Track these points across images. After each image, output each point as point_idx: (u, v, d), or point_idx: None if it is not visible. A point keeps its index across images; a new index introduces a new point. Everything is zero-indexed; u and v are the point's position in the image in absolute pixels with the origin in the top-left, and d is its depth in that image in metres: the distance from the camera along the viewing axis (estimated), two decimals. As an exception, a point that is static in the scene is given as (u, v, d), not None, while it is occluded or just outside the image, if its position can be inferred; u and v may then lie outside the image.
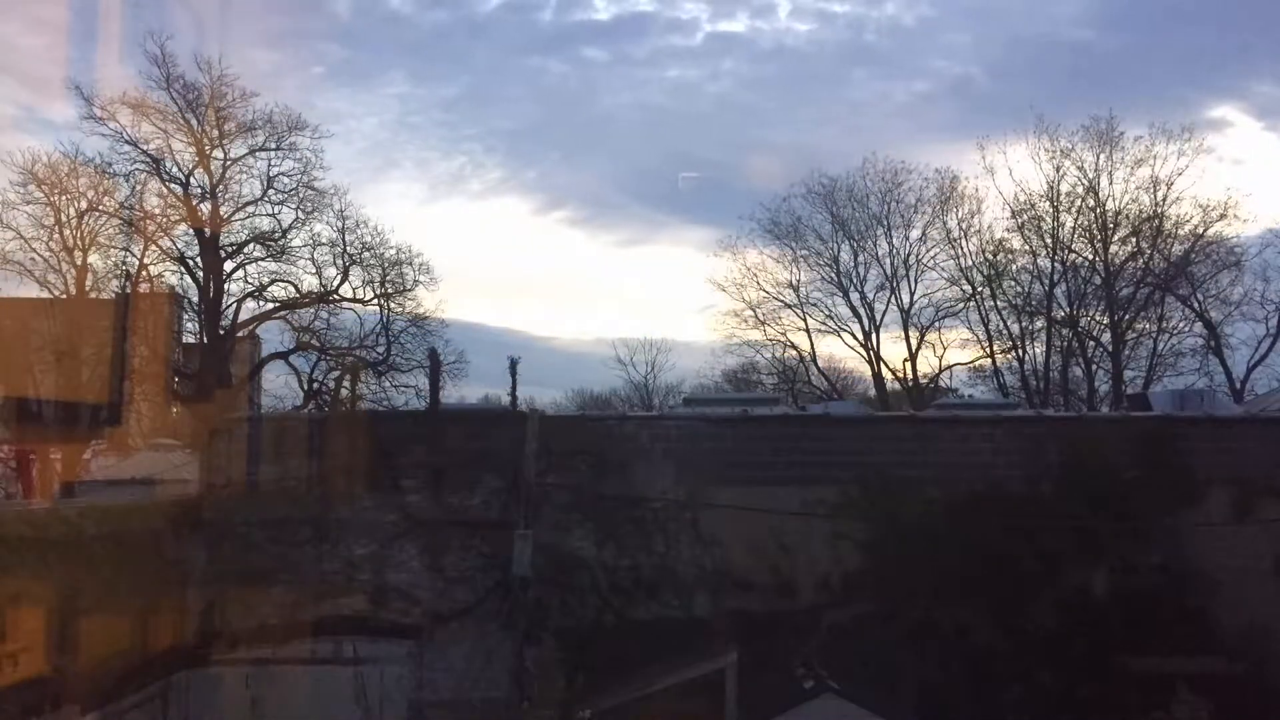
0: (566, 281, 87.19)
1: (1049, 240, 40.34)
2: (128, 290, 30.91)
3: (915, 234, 43.57)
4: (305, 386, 34.50)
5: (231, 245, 33.31)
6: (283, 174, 33.58)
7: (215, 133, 32.58)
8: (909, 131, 73.59)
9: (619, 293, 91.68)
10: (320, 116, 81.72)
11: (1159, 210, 39.21)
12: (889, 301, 43.97)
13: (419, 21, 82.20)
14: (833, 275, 44.16)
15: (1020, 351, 41.61)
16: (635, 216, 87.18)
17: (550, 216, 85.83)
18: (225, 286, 33.10)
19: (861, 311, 43.98)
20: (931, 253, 43.43)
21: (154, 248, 32.65)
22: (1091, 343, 40.63)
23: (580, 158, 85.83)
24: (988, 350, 42.47)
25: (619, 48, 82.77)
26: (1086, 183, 39.81)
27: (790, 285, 44.45)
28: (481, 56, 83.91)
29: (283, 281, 34.10)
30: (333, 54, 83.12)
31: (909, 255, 43.62)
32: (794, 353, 45.53)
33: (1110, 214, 39.70)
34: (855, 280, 44.17)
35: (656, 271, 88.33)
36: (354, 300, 34.74)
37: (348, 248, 34.40)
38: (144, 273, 32.42)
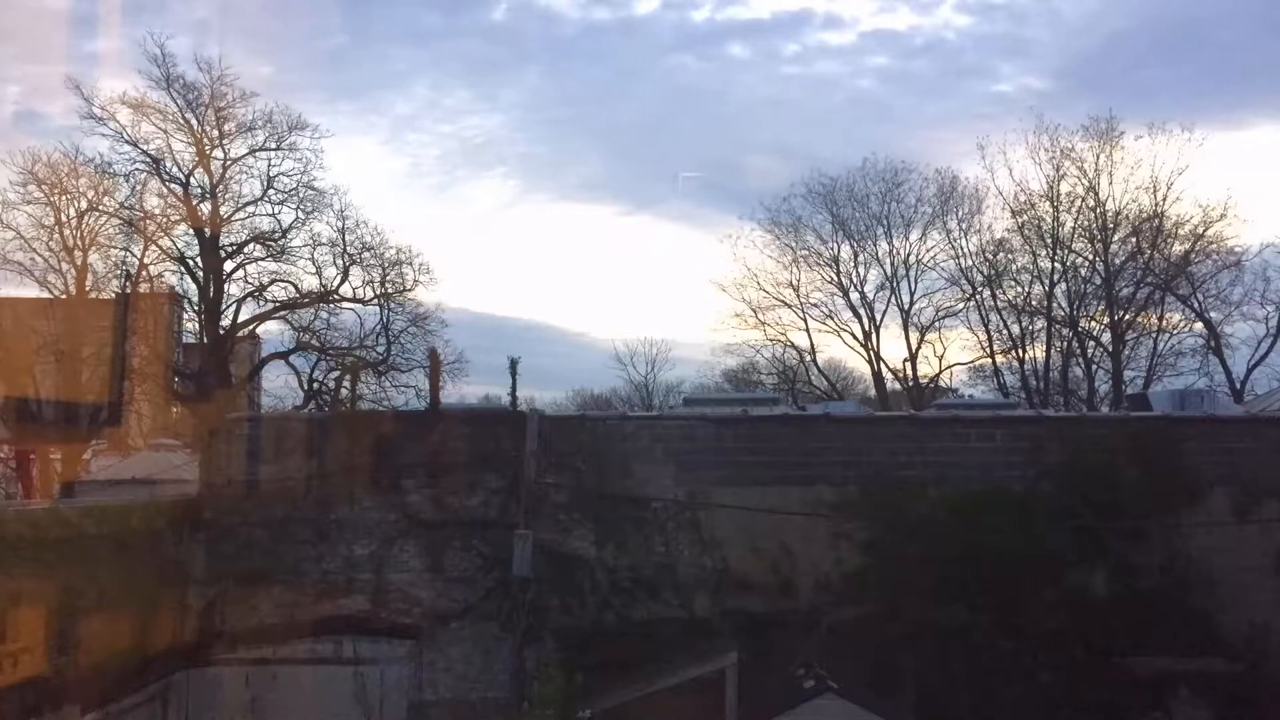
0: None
1: (1049, 240, 40.38)
2: (128, 290, 30.89)
3: (915, 234, 43.70)
4: (305, 386, 34.48)
5: (231, 245, 33.29)
6: (283, 174, 33.60)
7: (215, 133, 32.59)
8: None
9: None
10: (443, 114, 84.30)
11: (1159, 210, 39.30)
12: (889, 301, 44.08)
13: (573, 20, 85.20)
14: (833, 275, 44.26)
15: (1020, 351, 41.69)
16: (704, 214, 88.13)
17: (633, 217, 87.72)
18: (225, 286, 33.08)
19: (861, 311, 44.07)
20: (931, 253, 43.56)
21: (154, 248, 32.66)
22: (1091, 343, 40.67)
23: (680, 157, 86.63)
24: (988, 350, 42.55)
25: (768, 44, 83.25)
26: (1086, 183, 39.91)
27: (790, 285, 44.53)
28: (624, 54, 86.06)
29: (283, 281, 34.09)
30: (472, 50, 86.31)
31: (909, 255, 43.73)
32: (794, 353, 45.65)
33: (1110, 214, 39.78)
34: (855, 280, 44.27)
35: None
36: (354, 300, 34.76)
37: (348, 248, 34.42)
38: (144, 273, 32.41)
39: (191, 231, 32.97)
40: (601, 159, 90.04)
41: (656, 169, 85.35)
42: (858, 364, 47.44)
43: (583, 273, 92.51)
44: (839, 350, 46.44)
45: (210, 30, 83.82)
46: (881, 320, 44.12)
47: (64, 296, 31.71)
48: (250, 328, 34.69)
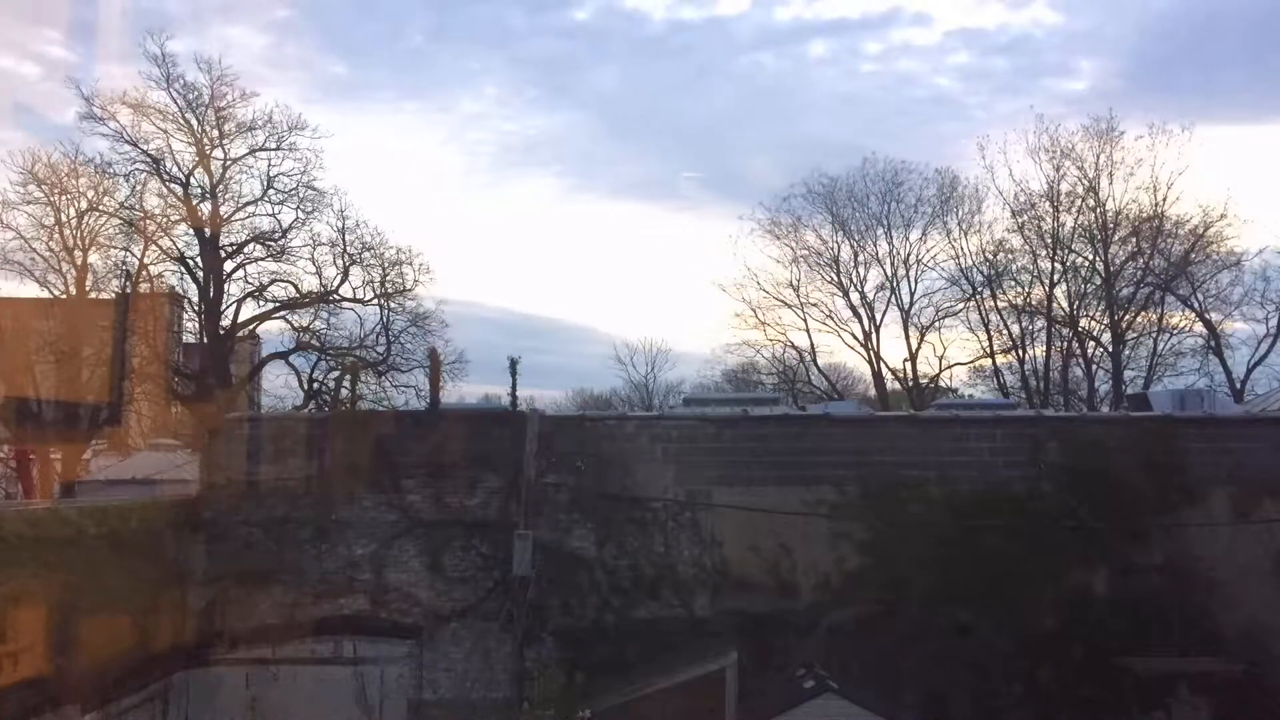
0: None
1: (1049, 240, 40.37)
2: (128, 290, 30.82)
3: (915, 234, 43.66)
4: (305, 386, 34.40)
5: (231, 245, 33.20)
6: (283, 174, 33.50)
7: (215, 133, 32.48)
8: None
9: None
10: (510, 112, 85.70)
11: (1159, 210, 39.29)
12: (889, 301, 44.03)
13: (659, 19, 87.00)
14: (833, 275, 44.24)
15: (1020, 351, 41.64)
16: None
17: (683, 214, 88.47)
18: (225, 286, 32.99)
19: (861, 311, 44.00)
20: (931, 253, 43.54)
21: (154, 248, 32.53)
22: (1091, 343, 40.64)
23: (743, 154, 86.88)
24: (988, 350, 42.52)
25: (850, 42, 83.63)
26: (1087, 183, 39.90)
27: (790, 285, 44.52)
28: (703, 52, 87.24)
29: (283, 281, 33.97)
30: (550, 49, 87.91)
31: (909, 255, 43.68)
32: (794, 353, 45.62)
33: (1110, 214, 39.76)
34: (855, 280, 44.22)
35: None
36: (354, 300, 34.70)
37: (348, 248, 34.35)
38: (144, 273, 32.32)
39: (191, 231, 32.90)
40: (660, 158, 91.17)
41: (716, 167, 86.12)
42: (858, 364, 47.49)
43: (626, 272, 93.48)
44: (839, 350, 46.46)
45: (290, 30, 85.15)
46: (881, 320, 44.13)
47: (64, 296, 31.67)
48: (250, 328, 34.62)
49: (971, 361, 43.64)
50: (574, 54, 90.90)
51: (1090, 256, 40.11)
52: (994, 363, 42.61)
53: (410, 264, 35.22)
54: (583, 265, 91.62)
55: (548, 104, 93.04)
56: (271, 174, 33.47)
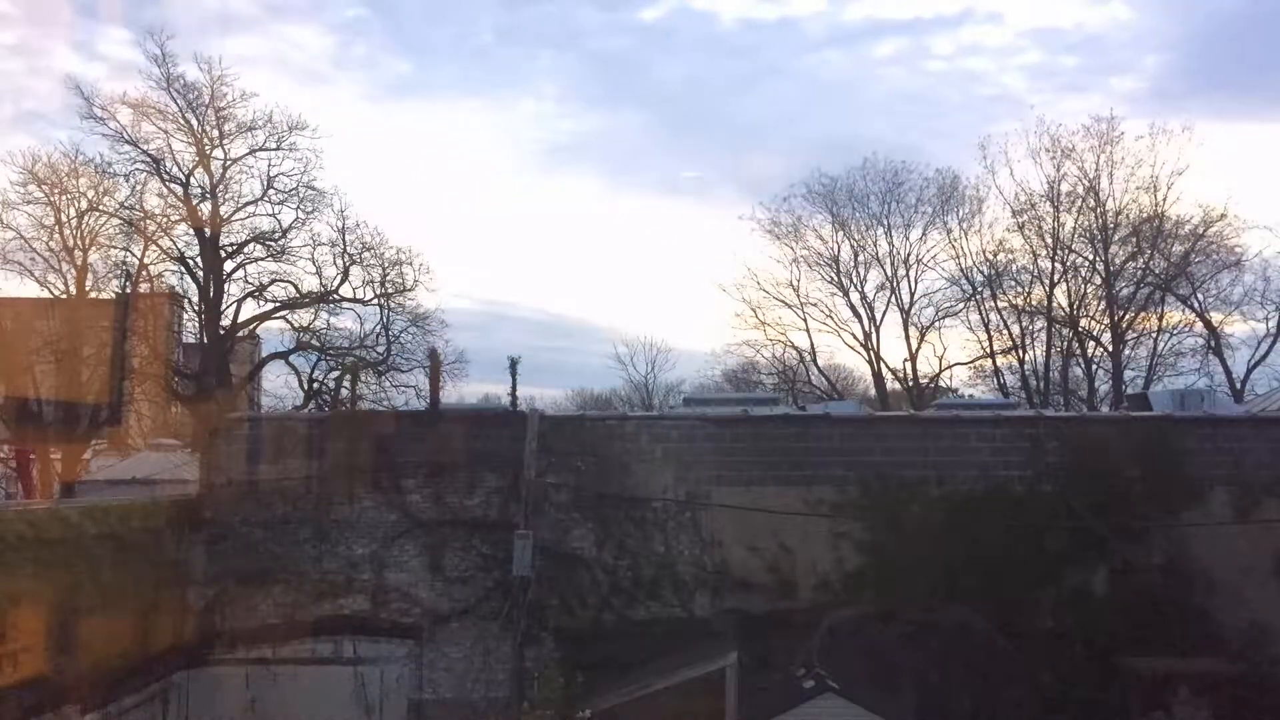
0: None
1: (1049, 240, 40.39)
2: (128, 290, 30.86)
3: (915, 234, 43.67)
4: (305, 386, 34.45)
5: (231, 245, 33.25)
6: (283, 174, 33.55)
7: (215, 133, 32.54)
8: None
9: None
10: (569, 110, 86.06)
11: (1159, 210, 39.28)
12: (889, 301, 44.05)
13: (732, 17, 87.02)
14: (833, 275, 44.24)
15: (1020, 351, 41.64)
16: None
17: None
18: (225, 286, 33.04)
19: (861, 311, 44.03)
20: (931, 253, 43.55)
21: (154, 248, 32.58)
22: (1091, 343, 40.65)
23: (796, 152, 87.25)
24: (988, 350, 42.52)
25: (920, 40, 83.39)
26: (1087, 183, 39.91)
27: (790, 285, 44.52)
28: (771, 50, 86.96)
29: (283, 281, 34.03)
30: (617, 47, 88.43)
31: (909, 255, 43.70)
32: (794, 353, 45.63)
33: (1110, 214, 39.76)
34: (855, 280, 44.24)
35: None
36: (354, 300, 34.75)
37: (348, 248, 34.39)
38: (144, 273, 32.35)
39: (191, 231, 32.94)
40: (708, 156, 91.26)
41: (763, 166, 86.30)
42: (858, 364, 47.49)
43: (660, 273, 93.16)
44: (839, 350, 46.46)
45: (359, 30, 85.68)
46: (881, 320, 44.16)
47: (64, 296, 31.67)
48: (250, 328, 34.65)
49: (971, 361, 43.70)
50: (640, 52, 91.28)
51: (1090, 256, 40.15)
52: (994, 363, 42.65)
53: (410, 264, 35.29)
54: (615, 264, 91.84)
55: (607, 102, 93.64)
56: (271, 174, 33.57)
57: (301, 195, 33.86)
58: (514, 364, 18.40)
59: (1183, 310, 39.23)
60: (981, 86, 77.18)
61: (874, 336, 44.11)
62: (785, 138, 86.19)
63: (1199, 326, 38.83)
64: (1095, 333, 40.53)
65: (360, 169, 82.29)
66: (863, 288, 44.14)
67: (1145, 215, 39.48)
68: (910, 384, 43.89)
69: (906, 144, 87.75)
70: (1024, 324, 41.62)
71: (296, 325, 34.26)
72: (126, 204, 32.24)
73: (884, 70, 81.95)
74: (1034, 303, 40.97)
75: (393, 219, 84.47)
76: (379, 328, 35.33)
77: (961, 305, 42.86)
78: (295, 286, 34.22)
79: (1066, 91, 75.04)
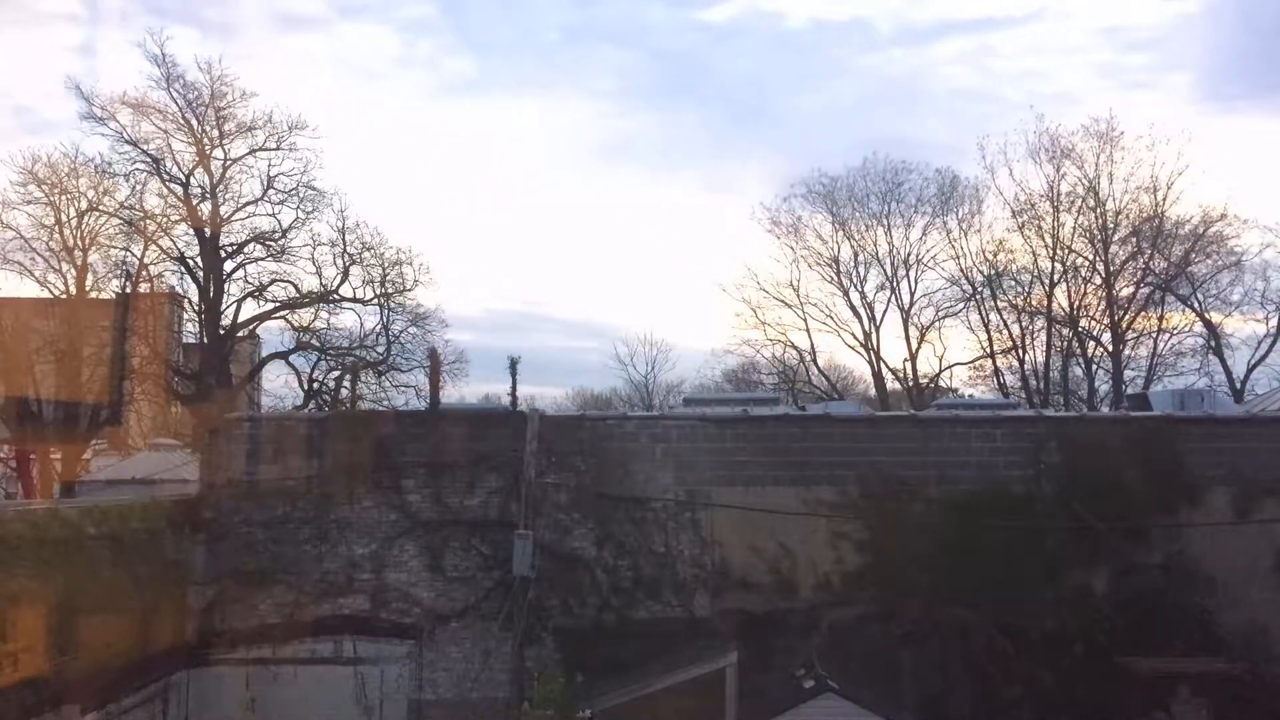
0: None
1: (1049, 240, 40.40)
2: (128, 290, 30.82)
3: (915, 234, 43.68)
4: (305, 386, 34.39)
5: (231, 245, 33.21)
6: (283, 174, 33.51)
7: (215, 133, 32.48)
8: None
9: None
10: (625, 109, 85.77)
11: (1159, 210, 39.28)
12: (889, 301, 44.05)
13: (802, 15, 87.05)
14: (833, 275, 44.25)
15: (1020, 351, 41.64)
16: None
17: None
18: (225, 286, 33.01)
19: (861, 311, 44.03)
20: (931, 252, 43.54)
21: (154, 248, 32.52)
22: (1091, 343, 40.64)
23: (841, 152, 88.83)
24: (988, 350, 42.51)
25: (984, 40, 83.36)
26: (1087, 183, 39.90)
27: (790, 285, 44.53)
28: (836, 49, 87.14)
29: (283, 281, 33.97)
30: (683, 45, 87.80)
31: (909, 255, 43.70)
32: (794, 352, 45.63)
33: (1110, 214, 39.75)
34: (855, 280, 44.24)
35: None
36: (354, 300, 34.71)
37: (348, 248, 34.35)
38: (144, 273, 32.29)
39: (191, 231, 32.90)
40: (765, 154, 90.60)
41: (816, 165, 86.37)
42: (858, 364, 47.48)
43: (694, 274, 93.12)
44: (839, 350, 46.44)
45: (425, 29, 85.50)
46: (881, 320, 44.16)
47: (64, 296, 31.64)
48: (250, 328, 34.62)
49: (971, 361, 43.68)
50: (704, 50, 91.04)
51: (1090, 256, 40.13)
52: (994, 363, 42.63)
53: (410, 264, 35.26)
54: (654, 264, 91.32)
55: (667, 100, 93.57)
56: (271, 174, 33.51)
57: (301, 195, 33.85)
58: (514, 364, 18.43)
59: (1183, 310, 39.26)
60: (1044, 84, 76.94)
61: (874, 336, 44.16)
62: (840, 136, 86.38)
63: (1199, 326, 38.86)
64: (1095, 333, 40.53)
65: (402, 169, 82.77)
66: (863, 288, 44.18)
67: (1145, 215, 39.49)
68: (910, 384, 43.88)
69: (959, 145, 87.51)
70: (1024, 324, 41.63)
71: (296, 325, 34.23)
72: (126, 204, 32.20)
73: (947, 69, 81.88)
74: (1034, 303, 40.99)
75: (431, 218, 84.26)
76: (379, 327, 35.33)
77: (961, 305, 42.90)
78: (295, 286, 34.21)
79: (1133, 89, 75.40)
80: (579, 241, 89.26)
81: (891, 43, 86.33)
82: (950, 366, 44.23)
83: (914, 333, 43.69)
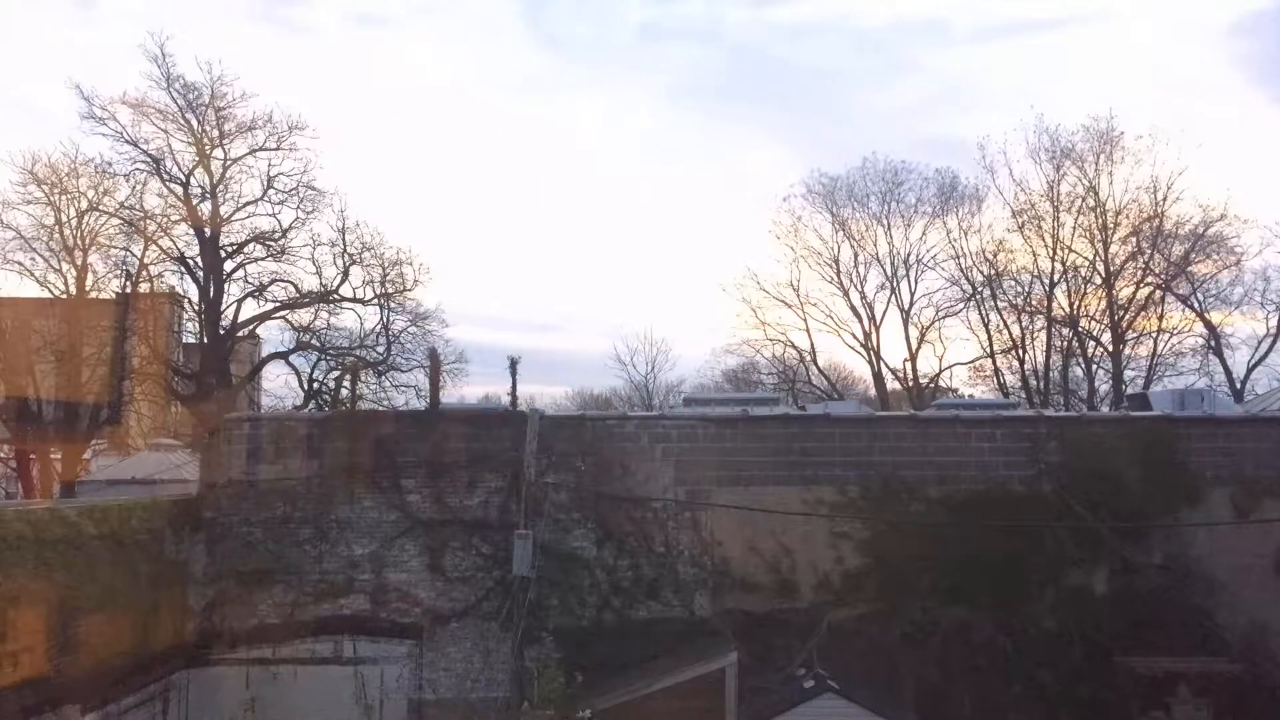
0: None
1: (1049, 240, 40.39)
2: (128, 290, 30.82)
3: (915, 234, 43.70)
4: (305, 386, 34.35)
5: (231, 245, 33.16)
6: (283, 174, 33.45)
7: (215, 133, 32.43)
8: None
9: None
10: (685, 109, 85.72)
11: (1159, 210, 39.27)
12: (889, 301, 44.07)
13: (880, 14, 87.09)
14: (833, 275, 44.25)
15: (1020, 351, 41.64)
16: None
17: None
18: (225, 286, 32.97)
19: (861, 311, 44.04)
20: (931, 252, 43.56)
21: (154, 248, 32.49)
22: (1091, 343, 40.64)
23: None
24: (988, 350, 42.51)
25: (1054, 38, 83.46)
26: (1087, 183, 39.89)
27: (790, 285, 44.54)
28: (908, 49, 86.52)
29: (283, 281, 33.91)
30: (756, 43, 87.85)
31: (909, 255, 43.72)
32: (794, 352, 45.63)
33: (1110, 214, 39.74)
34: (855, 280, 44.26)
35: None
36: (354, 300, 34.69)
37: (348, 247, 34.31)
38: (144, 273, 32.28)
39: (191, 231, 32.85)
40: (825, 152, 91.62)
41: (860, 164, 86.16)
42: (858, 364, 47.48)
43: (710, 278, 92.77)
44: (839, 350, 46.44)
45: (500, 26, 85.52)
46: (881, 320, 44.17)
47: (64, 296, 31.63)
48: (250, 328, 34.58)
49: (971, 361, 43.68)
50: (776, 49, 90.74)
51: (1090, 256, 40.13)
52: (994, 363, 42.63)
53: (410, 264, 35.24)
54: (689, 270, 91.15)
55: (728, 100, 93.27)
56: (271, 174, 33.46)
57: (301, 195, 33.82)
58: (514, 364, 18.42)
59: (1183, 310, 39.26)
60: (1096, 83, 77.08)
61: (874, 336, 44.17)
62: (901, 134, 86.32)
63: (1199, 326, 38.86)
64: (1095, 333, 40.52)
65: (452, 168, 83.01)
66: (863, 288, 44.20)
67: (1145, 215, 39.49)
68: (910, 384, 43.89)
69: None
70: (1024, 324, 41.63)
71: (296, 325, 34.20)
72: (126, 204, 32.16)
73: (1015, 66, 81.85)
74: (1034, 303, 40.99)
75: (472, 217, 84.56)
76: (379, 327, 35.32)
77: (961, 305, 42.92)
78: (295, 286, 34.15)
79: (1181, 86, 74.95)
80: (602, 244, 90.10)
81: (966, 40, 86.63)
82: (950, 366, 44.29)
83: (914, 333, 43.75)
